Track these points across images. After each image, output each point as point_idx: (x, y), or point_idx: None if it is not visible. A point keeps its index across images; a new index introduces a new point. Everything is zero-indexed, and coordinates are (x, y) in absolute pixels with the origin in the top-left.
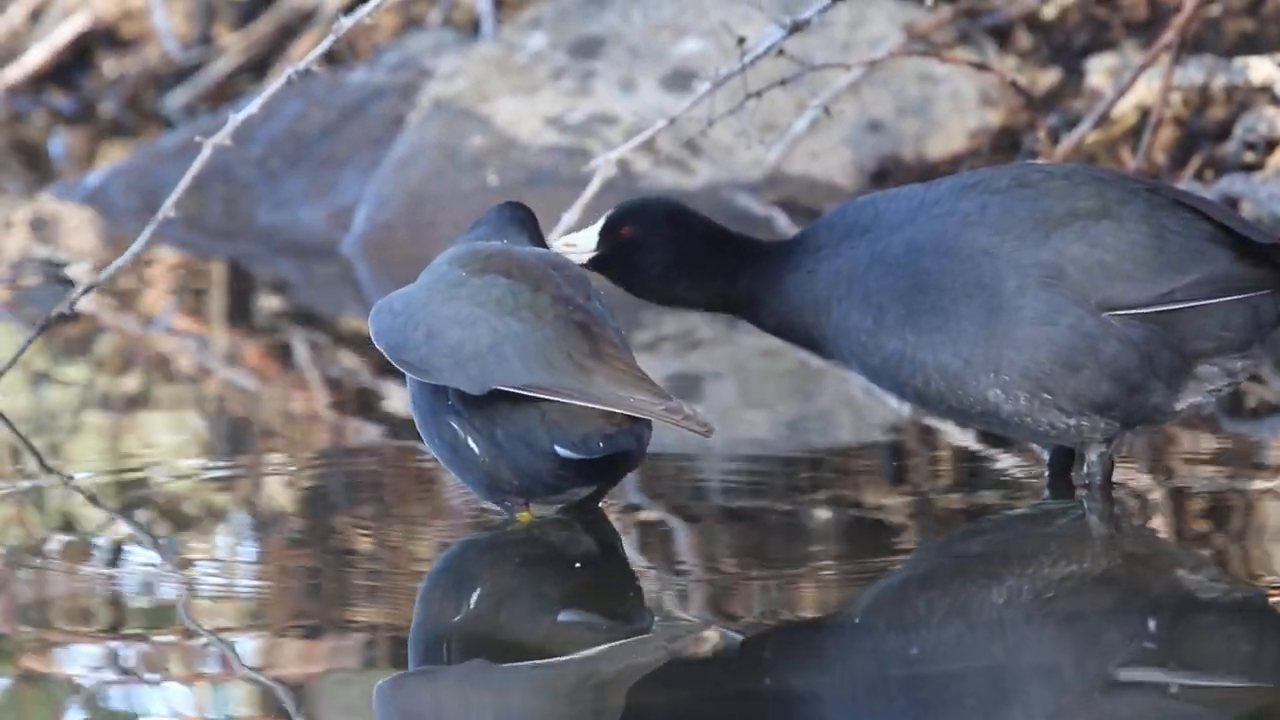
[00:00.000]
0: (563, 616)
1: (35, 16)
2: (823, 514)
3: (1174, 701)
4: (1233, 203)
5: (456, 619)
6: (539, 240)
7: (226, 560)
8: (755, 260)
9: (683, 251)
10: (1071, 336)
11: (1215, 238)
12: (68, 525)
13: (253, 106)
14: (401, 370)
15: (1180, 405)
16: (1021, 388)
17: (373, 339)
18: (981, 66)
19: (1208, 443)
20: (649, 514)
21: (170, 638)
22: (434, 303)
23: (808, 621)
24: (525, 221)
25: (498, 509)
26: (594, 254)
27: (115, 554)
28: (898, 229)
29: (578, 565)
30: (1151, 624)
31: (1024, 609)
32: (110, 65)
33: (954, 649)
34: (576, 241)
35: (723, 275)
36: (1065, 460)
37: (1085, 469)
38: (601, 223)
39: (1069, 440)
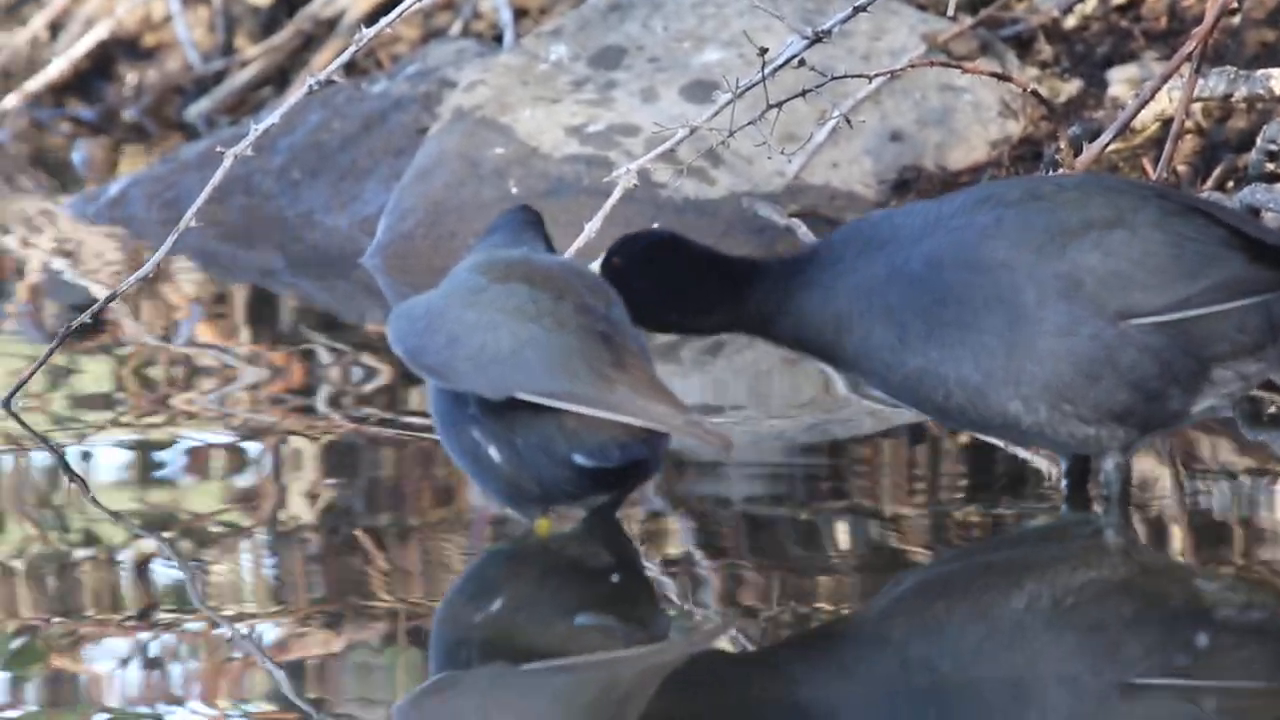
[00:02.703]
0: (580, 620)
1: (56, 27)
2: (842, 522)
3: (1192, 711)
4: (1255, 213)
5: (477, 625)
6: (550, 244)
7: (242, 581)
8: (763, 280)
9: (666, 280)
10: (1091, 347)
11: (1228, 242)
12: (90, 520)
13: (274, 116)
14: (420, 375)
15: (1196, 409)
16: (1042, 399)
17: (391, 344)
18: (1003, 77)
19: (1226, 452)
20: (667, 520)
21: (191, 633)
22: (455, 308)
23: (826, 628)
24: (538, 225)
25: (518, 516)
26: None
27: (139, 559)
28: (916, 243)
29: (614, 579)
30: (1169, 634)
31: (1042, 617)
32: (131, 75)
33: (972, 657)
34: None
35: (724, 299)
36: (1083, 469)
37: (1102, 478)
38: (604, 254)
39: (1088, 449)
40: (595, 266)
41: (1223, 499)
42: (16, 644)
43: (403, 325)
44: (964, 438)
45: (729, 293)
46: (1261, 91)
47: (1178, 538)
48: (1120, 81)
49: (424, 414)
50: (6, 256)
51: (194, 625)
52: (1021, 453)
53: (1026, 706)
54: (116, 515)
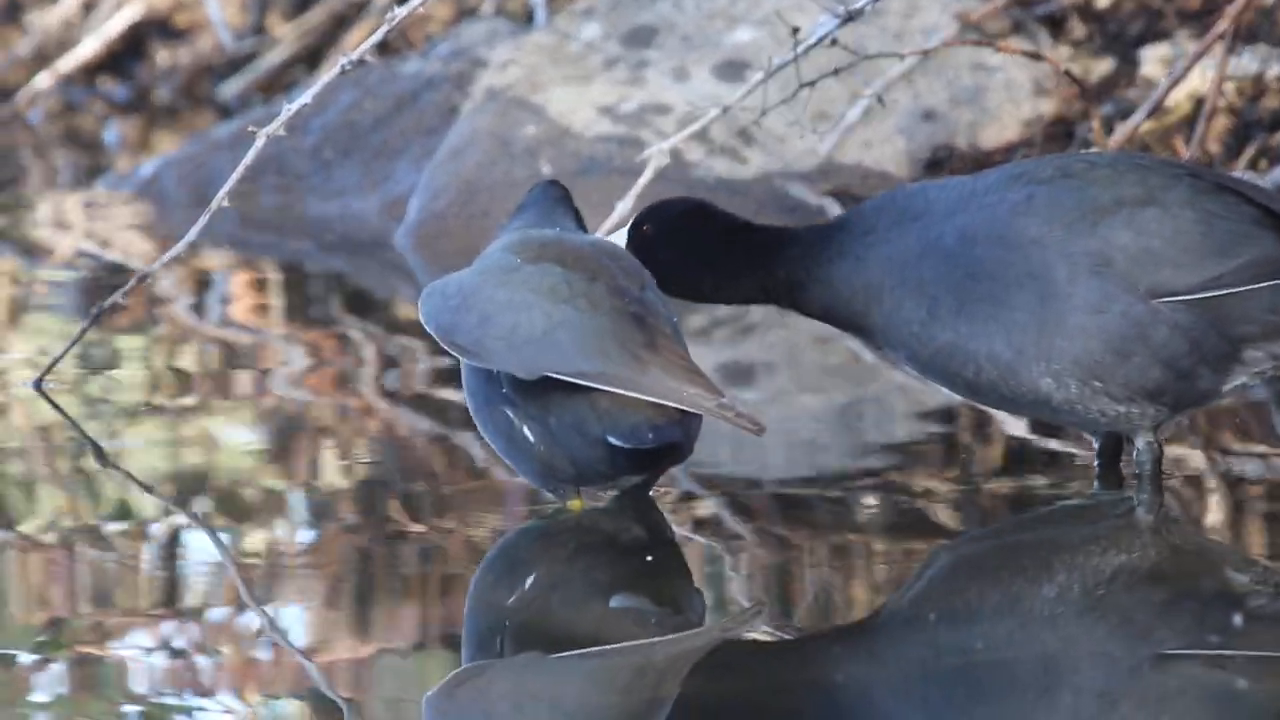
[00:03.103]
0: (614, 603)
1: (89, 6)
2: (873, 501)
3: (1224, 689)
4: None
5: (510, 606)
6: (580, 219)
7: (281, 547)
8: (792, 247)
9: (697, 248)
10: (1122, 324)
11: (1260, 221)
12: (122, 508)
13: (306, 96)
14: (451, 353)
15: (1227, 388)
16: (1073, 376)
17: (422, 322)
18: (1035, 56)
19: (1258, 430)
20: (700, 500)
21: (223, 617)
22: (488, 287)
23: (859, 608)
24: (568, 200)
25: (551, 496)
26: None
27: (170, 537)
28: (949, 217)
29: (649, 558)
30: (1202, 613)
31: (1074, 597)
32: (164, 55)
33: (1004, 637)
34: (616, 241)
35: (753, 267)
36: (1115, 447)
37: (1135, 457)
38: (630, 222)
39: (1118, 427)
40: (621, 235)
41: (1254, 477)
42: (45, 630)
43: (435, 303)
44: (996, 417)
45: (758, 260)
46: None
47: (1210, 516)
48: (1153, 60)
49: (458, 392)
50: (39, 236)
51: (224, 610)
52: (1054, 431)
53: (1059, 686)
54: (149, 491)
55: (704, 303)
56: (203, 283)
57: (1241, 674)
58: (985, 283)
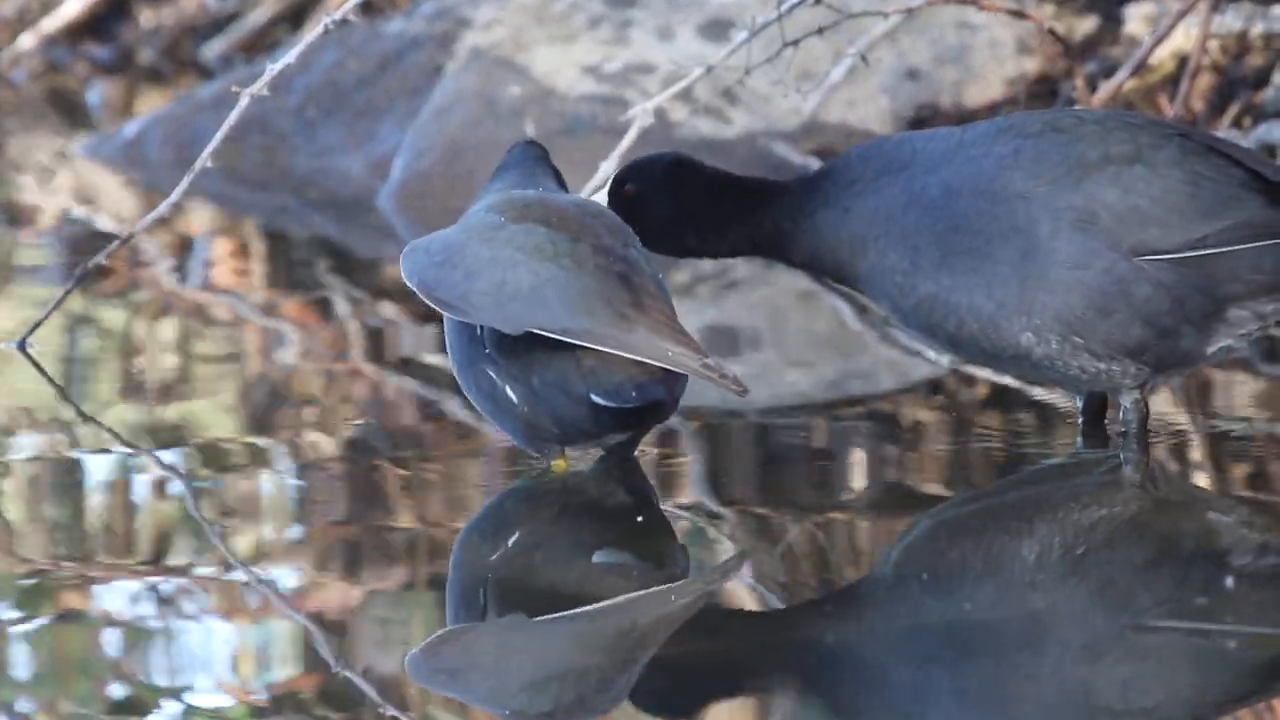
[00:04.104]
0: (597, 558)
1: None
2: (858, 461)
3: (1207, 649)
4: (1270, 150)
5: (493, 564)
6: (561, 179)
7: (265, 510)
8: (778, 198)
9: (683, 202)
10: (1104, 280)
11: (1247, 183)
12: (105, 469)
13: (290, 56)
14: (434, 308)
15: (1211, 349)
16: (1053, 331)
17: (404, 278)
18: (1019, 14)
19: (1244, 389)
20: (684, 460)
21: (209, 576)
22: (473, 244)
23: (843, 569)
24: (547, 160)
25: (535, 456)
26: None
27: (154, 492)
28: (934, 169)
29: (639, 519)
30: (1187, 572)
31: (1058, 557)
32: (147, 15)
33: (988, 597)
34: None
35: (739, 219)
36: (1099, 407)
37: (1120, 416)
38: (609, 182)
39: (1100, 385)
40: (602, 194)
41: (1239, 436)
42: (26, 586)
43: (419, 259)
44: (982, 376)
45: (744, 212)
46: (1278, 28)
47: (1195, 474)
48: (1136, 18)
49: (442, 353)
50: (22, 198)
51: (210, 568)
52: (1038, 391)
53: (1045, 645)
54: (134, 450)
55: (688, 257)
56: (185, 247)
57: (1230, 636)
58: (968, 235)
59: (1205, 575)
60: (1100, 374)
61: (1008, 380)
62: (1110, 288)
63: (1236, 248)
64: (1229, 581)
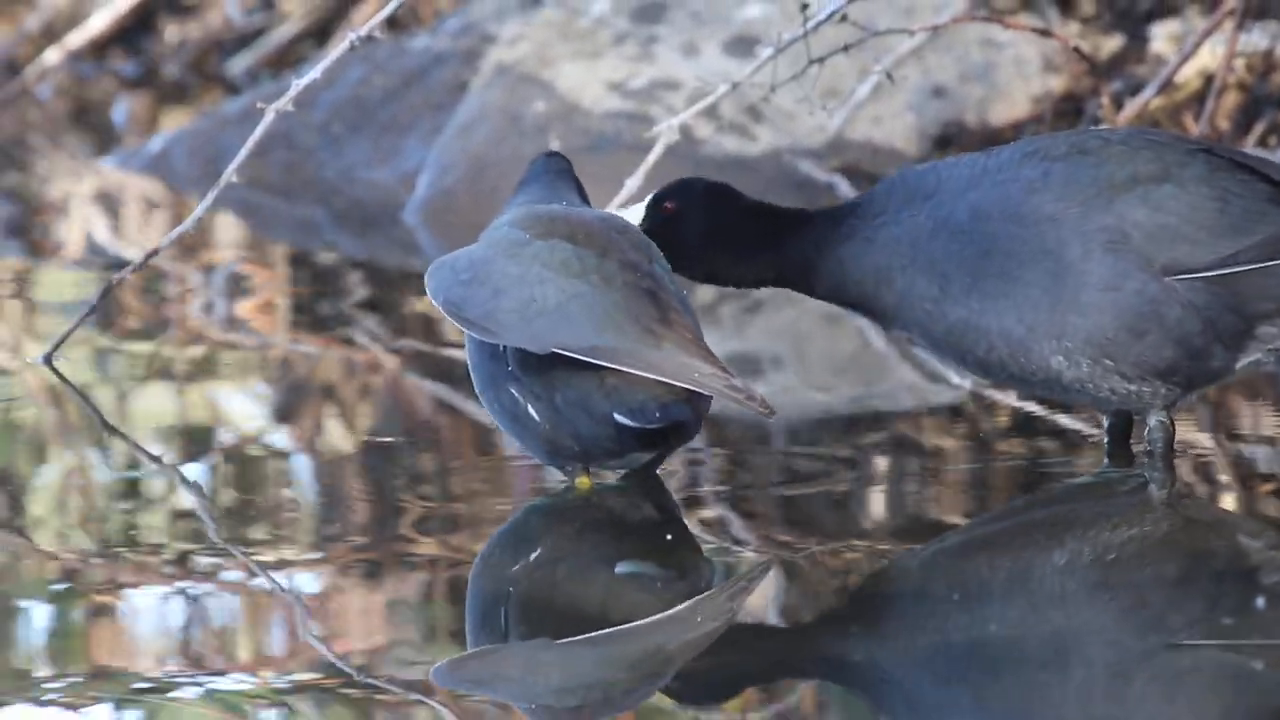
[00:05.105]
0: (620, 569)
1: None
2: (883, 479)
3: (1235, 668)
4: None
5: (515, 580)
6: (583, 192)
7: (287, 524)
8: (805, 229)
9: (719, 224)
10: (1137, 302)
11: (1275, 198)
12: (128, 465)
13: (315, 72)
14: (459, 328)
15: (1239, 365)
16: (1085, 354)
17: (430, 296)
18: (1044, 32)
19: (1270, 408)
20: (709, 478)
21: (230, 582)
22: (499, 261)
23: (868, 585)
24: (569, 173)
25: (558, 474)
26: (642, 229)
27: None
28: (961, 195)
29: (668, 537)
30: (1214, 592)
31: (1085, 575)
32: (172, 31)
33: (1014, 615)
34: (627, 216)
35: (768, 247)
36: (1125, 425)
37: (1146, 435)
38: (649, 198)
39: (1130, 405)
40: (633, 211)
41: (1266, 454)
42: (56, 587)
43: (445, 277)
44: (1007, 395)
45: (771, 242)
46: None
47: (1221, 494)
48: (1162, 37)
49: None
50: (49, 213)
51: (232, 574)
52: (1064, 409)
53: (1071, 664)
54: (157, 462)
55: (713, 284)
56: (210, 259)
57: (1257, 655)
58: (999, 259)
59: (1234, 595)
60: (1130, 395)
61: (1033, 405)
62: (1143, 308)
63: (1267, 264)
64: (1259, 601)
